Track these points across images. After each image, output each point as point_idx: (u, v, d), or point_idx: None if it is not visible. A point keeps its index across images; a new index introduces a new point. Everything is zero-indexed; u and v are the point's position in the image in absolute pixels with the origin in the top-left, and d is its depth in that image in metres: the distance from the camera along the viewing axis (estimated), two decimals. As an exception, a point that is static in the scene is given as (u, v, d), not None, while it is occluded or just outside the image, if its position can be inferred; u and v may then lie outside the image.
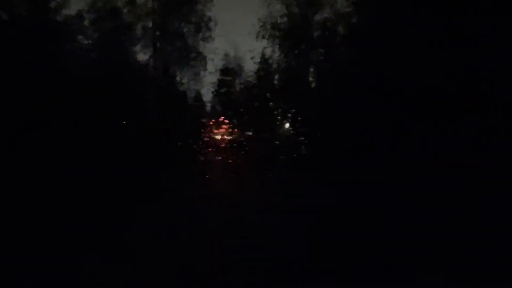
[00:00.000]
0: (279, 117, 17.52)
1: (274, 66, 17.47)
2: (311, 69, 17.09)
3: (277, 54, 17.51)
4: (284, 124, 17.60)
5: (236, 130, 17.98)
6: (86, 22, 16.15)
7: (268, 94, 17.76)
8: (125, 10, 17.09)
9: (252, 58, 17.78)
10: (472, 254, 6.55)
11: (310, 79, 17.40)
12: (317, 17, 16.87)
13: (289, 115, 16.75)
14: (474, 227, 7.53)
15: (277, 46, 17.37)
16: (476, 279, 5.81)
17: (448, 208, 8.41)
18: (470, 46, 11.04)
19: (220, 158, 18.25)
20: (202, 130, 18.10)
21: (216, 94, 18.99)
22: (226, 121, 18.82)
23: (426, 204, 8.81)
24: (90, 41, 16.28)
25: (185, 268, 6.67)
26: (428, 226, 7.89)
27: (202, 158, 17.85)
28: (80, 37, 15.92)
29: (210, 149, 18.30)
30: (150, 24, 17.55)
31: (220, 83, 18.83)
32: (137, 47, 17.21)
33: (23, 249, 6.89)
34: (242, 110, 18.07)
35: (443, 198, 8.89)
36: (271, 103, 17.56)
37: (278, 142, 16.61)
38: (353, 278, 6.30)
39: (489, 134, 9.64)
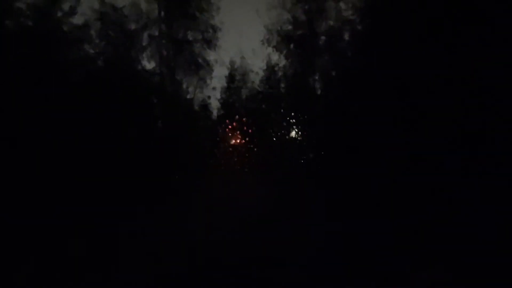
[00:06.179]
0: (285, 124, 17.31)
1: (280, 73, 17.35)
2: (317, 76, 16.96)
3: (283, 61, 17.42)
4: (290, 131, 17.39)
5: (244, 139, 17.73)
6: (92, 31, 16.22)
7: (274, 101, 17.59)
8: (131, 19, 17.11)
9: (262, 67, 17.67)
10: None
11: (317, 86, 17.28)
12: (323, 24, 16.77)
13: (294, 122, 16.57)
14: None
15: (284, 53, 17.26)
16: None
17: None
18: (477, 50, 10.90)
19: (229, 167, 17.94)
20: (210, 141, 17.88)
21: (223, 101, 18.86)
22: (234, 129, 18.57)
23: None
24: (97, 50, 16.33)
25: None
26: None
27: (212, 167, 17.56)
28: (86, 46, 15.99)
29: (219, 158, 17.98)
30: (156, 33, 17.56)
31: (227, 91, 18.72)
32: (143, 56, 17.21)
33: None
34: (248, 118, 17.87)
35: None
36: (277, 111, 17.38)
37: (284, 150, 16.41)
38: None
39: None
